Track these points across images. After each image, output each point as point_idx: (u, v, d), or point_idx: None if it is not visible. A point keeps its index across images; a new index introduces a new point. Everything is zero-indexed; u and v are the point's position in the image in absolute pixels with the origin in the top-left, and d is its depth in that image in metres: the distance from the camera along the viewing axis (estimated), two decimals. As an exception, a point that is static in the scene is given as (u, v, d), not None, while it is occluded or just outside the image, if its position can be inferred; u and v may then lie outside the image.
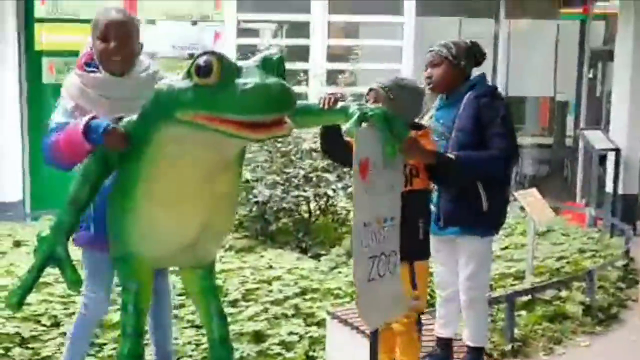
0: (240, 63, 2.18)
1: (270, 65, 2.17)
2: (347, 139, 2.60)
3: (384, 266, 2.47)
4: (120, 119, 2.48)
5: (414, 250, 2.90)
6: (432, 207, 3.25)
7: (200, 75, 2.11)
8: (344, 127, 2.46)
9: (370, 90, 3.02)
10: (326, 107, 2.56)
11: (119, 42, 2.78)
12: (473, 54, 3.38)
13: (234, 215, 2.78)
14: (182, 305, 4.80)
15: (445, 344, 3.28)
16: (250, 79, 2.07)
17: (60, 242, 2.38)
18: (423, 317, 3.23)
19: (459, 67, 3.31)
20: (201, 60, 2.10)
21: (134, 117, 2.44)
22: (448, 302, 3.31)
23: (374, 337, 2.49)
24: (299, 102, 2.34)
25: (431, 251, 3.11)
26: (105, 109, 2.68)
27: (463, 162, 3.01)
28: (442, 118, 3.30)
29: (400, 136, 2.55)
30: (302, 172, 6.37)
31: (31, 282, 2.38)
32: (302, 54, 8.64)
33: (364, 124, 2.42)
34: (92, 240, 2.75)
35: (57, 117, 2.77)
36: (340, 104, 2.57)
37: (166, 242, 2.50)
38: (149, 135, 2.31)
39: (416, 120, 3.15)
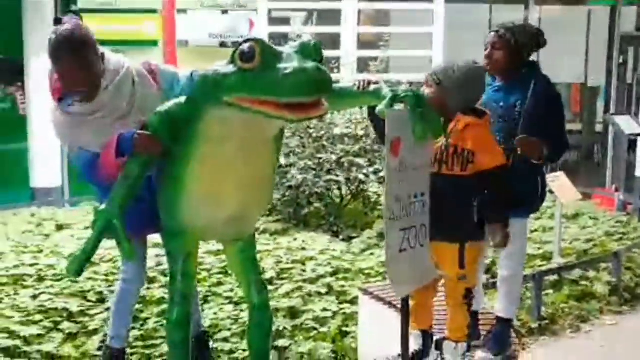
0: (280, 49, 2.36)
1: (308, 51, 2.34)
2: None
3: (414, 238, 2.63)
4: (143, 127, 2.64)
5: (466, 231, 3.00)
6: None
7: (244, 61, 2.28)
8: (377, 108, 2.62)
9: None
10: (360, 89, 2.72)
11: (77, 74, 2.77)
12: (537, 41, 3.41)
13: (272, 191, 2.96)
14: (220, 283, 5.03)
15: (472, 316, 3.42)
16: (289, 64, 2.24)
17: (115, 215, 2.58)
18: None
19: (519, 52, 3.36)
20: (245, 47, 2.27)
21: (181, 100, 2.63)
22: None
23: (405, 304, 2.66)
24: (334, 85, 2.52)
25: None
26: (98, 128, 2.82)
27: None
28: (501, 100, 3.36)
29: (432, 121, 2.69)
30: (334, 157, 6.53)
31: (90, 251, 2.59)
32: (333, 41, 8.79)
33: (395, 106, 2.58)
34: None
35: (75, 157, 2.93)
36: (373, 87, 2.73)
37: (212, 216, 2.69)
38: (196, 118, 2.49)
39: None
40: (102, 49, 2.92)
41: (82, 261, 2.59)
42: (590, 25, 9.90)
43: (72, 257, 2.64)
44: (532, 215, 6.99)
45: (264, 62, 2.27)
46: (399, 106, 2.59)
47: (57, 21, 2.84)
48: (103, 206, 2.62)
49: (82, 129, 2.87)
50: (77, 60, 2.76)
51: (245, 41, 2.30)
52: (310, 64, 2.24)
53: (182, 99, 2.61)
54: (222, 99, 2.35)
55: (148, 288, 4.80)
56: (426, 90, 2.97)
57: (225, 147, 2.51)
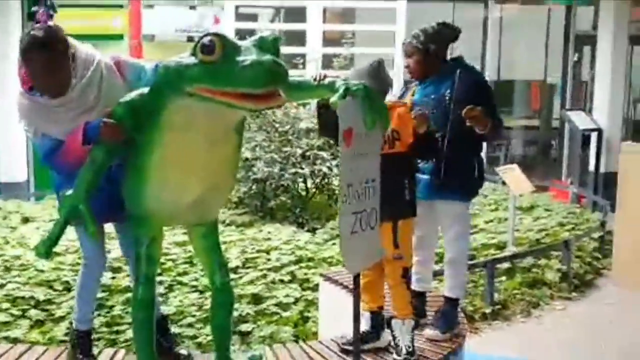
0: (239, 42, 2.51)
1: (266, 45, 2.49)
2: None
3: (365, 221, 2.81)
4: (109, 114, 2.73)
5: (399, 209, 3.20)
6: (423, 174, 3.54)
7: (205, 53, 2.43)
8: (331, 100, 2.78)
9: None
10: (316, 82, 2.88)
11: (47, 74, 2.82)
12: (443, 35, 3.57)
13: (234, 178, 3.10)
14: (185, 272, 5.17)
15: (419, 296, 3.60)
16: (248, 57, 2.39)
17: (81, 200, 2.71)
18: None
19: (431, 52, 3.52)
20: (205, 40, 2.41)
21: (144, 90, 2.76)
22: (424, 262, 3.62)
23: (356, 283, 2.84)
24: (292, 77, 2.68)
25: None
26: (65, 120, 2.88)
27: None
28: (432, 93, 3.53)
29: (380, 110, 2.87)
30: (299, 151, 6.69)
31: (57, 234, 2.71)
32: (299, 38, 8.95)
33: (347, 97, 2.75)
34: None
35: (39, 140, 2.97)
36: (328, 80, 2.90)
37: (175, 201, 2.82)
38: (159, 107, 2.62)
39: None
40: (73, 45, 2.96)
41: (50, 243, 2.72)
42: (550, 24, 10.19)
43: (40, 240, 2.76)
44: (487, 207, 7.30)
45: (224, 54, 2.41)
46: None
47: (31, 16, 2.91)
48: (69, 191, 2.74)
49: (49, 117, 2.95)
50: (48, 65, 2.83)
51: (206, 35, 2.44)
52: (267, 57, 2.39)
53: (146, 89, 2.74)
54: (184, 89, 2.48)
55: (113, 277, 4.93)
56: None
57: (187, 136, 2.64)
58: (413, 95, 3.65)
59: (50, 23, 2.94)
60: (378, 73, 3.22)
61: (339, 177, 2.72)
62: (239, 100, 2.41)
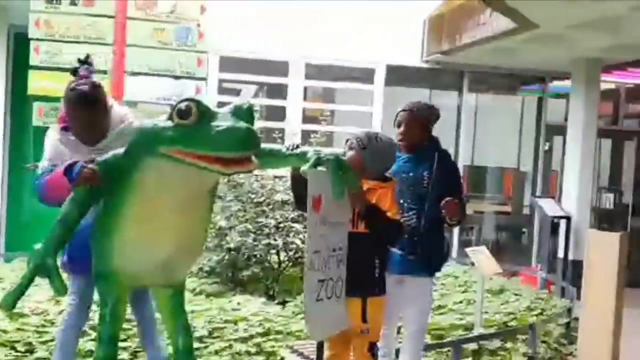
0: (215, 109, 2.62)
1: (241, 113, 2.61)
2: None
3: (332, 290, 2.86)
4: (92, 161, 2.91)
5: (368, 287, 3.24)
6: (395, 250, 3.62)
7: (181, 117, 2.54)
8: (302, 168, 2.88)
9: (347, 140, 3.46)
10: (289, 151, 2.99)
11: (86, 126, 3.26)
12: (430, 113, 3.81)
13: (204, 242, 3.16)
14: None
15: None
16: (223, 122, 2.50)
17: (49, 255, 2.75)
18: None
19: (426, 126, 3.77)
20: (182, 105, 2.53)
21: (120, 150, 2.85)
22: (390, 335, 3.66)
23: (319, 352, 2.87)
24: (266, 145, 2.79)
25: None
26: (87, 154, 3.15)
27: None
28: (411, 171, 3.70)
29: (350, 182, 2.98)
30: (273, 222, 6.72)
31: (24, 287, 2.73)
32: (281, 114, 9.17)
33: (318, 167, 2.85)
34: (65, 265, 3.30)
35: (43, 164, 3.32)
36: (300, 149, 3.01)
37: (142, 262, 2.86)
38: (133, 166, 2.71)
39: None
40: (110, 102, 3.37)
41: (16, 295, 2.73)
42: (523, 113, 10.55)
43: (6, 292, 2.77)
44: (457, 288, 7.35)
45: (199, 119, 2.52)
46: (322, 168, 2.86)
47: (74, 72, 3.31)
48: (38, 245, 2.77)
49: (77, 149, 3.25)
50: (89, 118, 3.24)
51: (183, 100, 2.56)
52: (241, 124, 2.50)
53: (122, 150, 2.82)
54: (159, 150, 2.58)
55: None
56: (349, 153, 3.26)
57: (159, 197, 2.71)
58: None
59: (94, 79, 3.32)
60: (394, 151, 3.41)
61: (305, 244, 2.79)
62: (211, 163, 2.50)
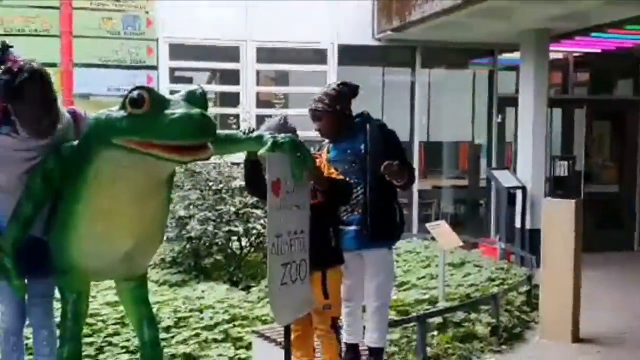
0: (168, 96, 2.57)
1: (195, 99, 2.57)
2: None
3: (296, 272, 2.86)
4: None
5: (327, 257, 3.28)
6: (349, 226, 3.63)
7: (133, 106, 2.48)
8: (259, 152, 2.86)
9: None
10: (244, 136, 2.97)
11: (39, 110, 2.82)
12: (345, 94, 3.77)
13: (163, 232, 3.12)
14: (116, 333, 5.04)
15: (352, 348, 3.64)
16: (177, 109, 2.46)
17: (7, 254, 2.68)
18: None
19: (338, 112, 3.71)
20: (134, 94, 2.48)
21: (74, 142, 2.79)
22: (354, 312, 3.68)
23: (287, 336, 2.87)
24: (221, 131, 2.76)
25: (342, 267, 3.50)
26: (14, 162, 2.85)
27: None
28: (349, 148, 3.72)
29: (307, 162, 2.97)
30: (232, 209, 6.69)
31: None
32: (234, 100, 9.09)
33: (275, 150, 2.84)
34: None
35: None
36: (256, 133, 2.99)
37: (102, 255, 2.81)
38: (88, 158, 2.65)
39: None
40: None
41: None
42: (475, 87, 10.66)
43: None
44: (419, 264, 7.44)
45: (152, 108, 2.47)
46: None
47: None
48: (-5, 244, 2.71)
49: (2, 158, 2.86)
50: (45, 95, 2.85)
51: (135, 89, 2.50)
52: (195, 110, 2.46)
53: (76, 141, 2.76)
54: (112, 141, 2.52)
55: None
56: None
57: (115, 189, 2.66)
58: (328, 152, 3.76)
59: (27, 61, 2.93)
60: (285, 125, 3.35)
61: (266, 228, 2.77)
62: (167, 152, 2.46)
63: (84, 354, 4.31)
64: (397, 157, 3.60)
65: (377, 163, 3.54)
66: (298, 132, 3.33)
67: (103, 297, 5.51)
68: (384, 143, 3.70)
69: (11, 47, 2.95)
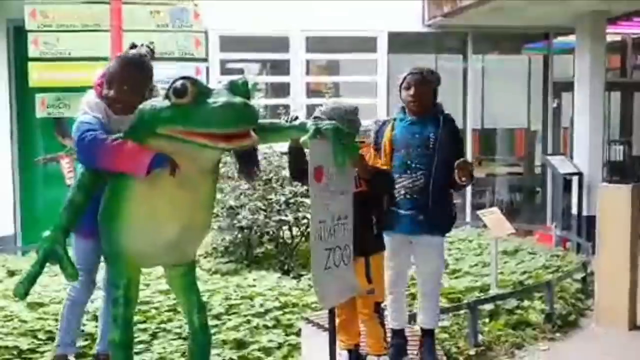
0: (210, 86, 2.62)
1: (237, 88, 2.62)
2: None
3: (339, 257, 2.87)
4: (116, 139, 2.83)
5: (369, 245, 3.30)
6: (405, 210, 3.64)
7: (177, 96, 2.54)
8: (301, 139, 2.88)
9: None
10: (287, 123, 2.99)
11: (128, 92, 3.22)
12: (438, 80, 3.88)
13: (210, 219, 3.18)
14: (169, 320, 5.16)
15: (399, 333, 3.65)
16: (219, 99, 2.50)
17: (59, 241, 2.78)
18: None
19: (434, 90, 3.83)
20: (178, 84, 2.53)
21: (121, 135, 2.86)
22: (399, 298, 3.70)
23: (331, 320, 2.89)
24: (264, 120, 2.80)
25: (387, 252, 3.51)
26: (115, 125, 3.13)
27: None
28: (417, 133, 3.75)
29: (351, 149, 2.97)
30: (283, 198, 6.75)
31: (34, 275, 2.77)
32: (286, 90, 9.14)
33: (318, 137, 2.85)
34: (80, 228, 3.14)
35: (84, 118, 3.08)
36: (299, 121, 3.01)
37: (151, 242, 2.89)
38: (136, 148, 2.72)
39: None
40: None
41: (27, 284, 2.77)
42: (530, 72, 10.44)
43: (18, 281, 2.81)
44: (472, 252, 7.36)
45: (195, 97, 2.52)
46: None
47: (133, 46, 3.40)
48: (47, 233, 2.80)
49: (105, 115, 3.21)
50: (138, 82, 3.25)
51: (179, 79, 2.56)
52: (237, 99, 2.50)
53: (122, 134, 2.83)
54: (157, 130, 2.58)
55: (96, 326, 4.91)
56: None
57: (163, 177, 2.72)
58: (393, 129, 3.77)
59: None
60: (353, 116, 3.35)
61: (310, 213, 2.79)
62: (210, 140, 2.51)
63: (138, 339, 4.44)
64: (462, 156, 3.70)
65: (444, 157, 3.63)
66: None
67: (156, 285, 5.64)
68: (454, 138, 3.79)
69: (149, 47, 3.43)
